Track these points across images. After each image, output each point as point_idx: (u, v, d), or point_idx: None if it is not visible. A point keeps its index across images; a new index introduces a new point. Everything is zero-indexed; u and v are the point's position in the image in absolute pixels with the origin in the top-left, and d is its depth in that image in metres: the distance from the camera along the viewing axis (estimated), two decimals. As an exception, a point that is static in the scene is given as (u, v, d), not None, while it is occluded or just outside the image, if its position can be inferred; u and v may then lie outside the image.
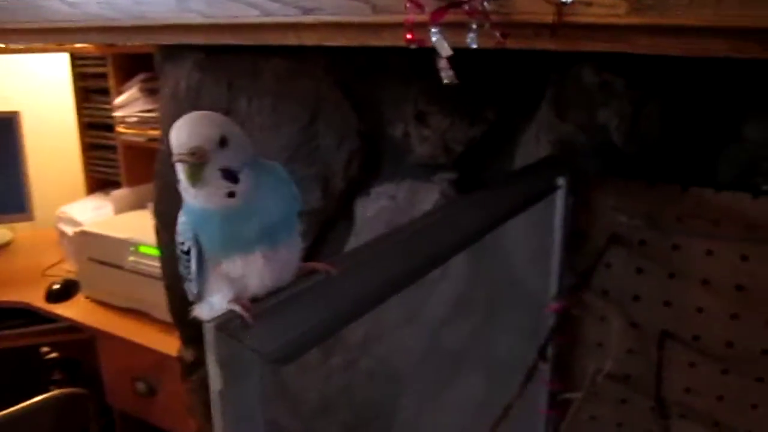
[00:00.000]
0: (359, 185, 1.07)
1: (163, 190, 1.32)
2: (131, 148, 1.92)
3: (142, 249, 1.71)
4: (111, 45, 1.85)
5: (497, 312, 0.79)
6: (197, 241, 0.46)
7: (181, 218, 0.48)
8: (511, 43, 0.58)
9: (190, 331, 1.42)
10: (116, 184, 2.03)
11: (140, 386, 1.76)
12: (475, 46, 0.56)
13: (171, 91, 1.26)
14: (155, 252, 1.63)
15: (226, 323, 0.37)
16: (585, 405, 0.87)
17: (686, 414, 0.82)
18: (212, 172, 0.44)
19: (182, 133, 0.45)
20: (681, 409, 0.81)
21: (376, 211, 1.05)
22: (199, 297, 0.50)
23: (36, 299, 1.85)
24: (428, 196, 1.00)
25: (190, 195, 0.46)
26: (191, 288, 0.50)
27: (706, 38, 0.54)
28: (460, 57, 0.65)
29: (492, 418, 0.78)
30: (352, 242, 1.08)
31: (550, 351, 0.87)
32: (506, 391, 0.83)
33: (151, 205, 1.81)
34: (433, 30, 0.51)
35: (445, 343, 0.65)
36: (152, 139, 1.83)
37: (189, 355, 1.45)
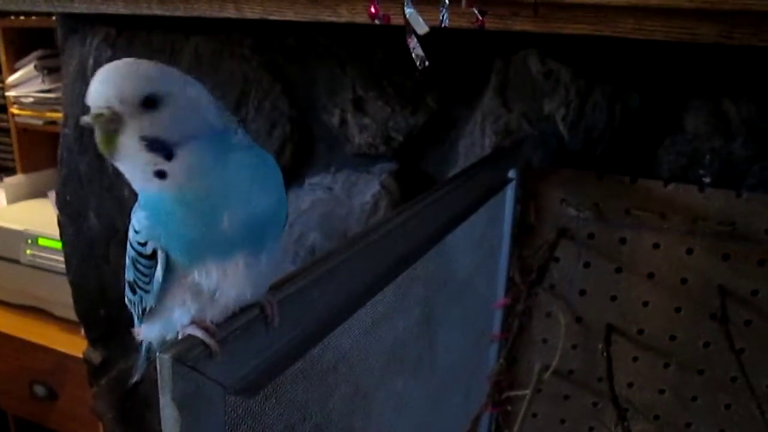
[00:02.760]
0: (292, 175, 1.01)
1: (68, 179, 1.20)
2: (27, 131, 1.75)
3: (42, 242, 1.57)
4: (2, 15, 1.68)
5: (441, 311, 0.76)
6: (165, 244, 0.36)
7: (140, 211, 0.37)
8: (488, 24, 0.54)
9: (99, 329, 1.31)
10: (10, 171, 1.85)
11: (39, 389, 1.62)
12: (446, 25, 0.51)
13: (76, 69, 1.14)
14: (57, 245, 1.49)
15: (186, 353, 0.30)
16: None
17: (628, 408, 0.82)
18: (130, 141, 0.34)
19: (96, 86, 0.34)
20: (623, 404, 0.81)
21: (311, 202, 0.99)
22: (150, 314, 0.40)
23: None
24: (367, 188, 0.95)
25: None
26: (146, 302, 0.39)
27: (695, 22, 0.52)
28: (399, 41, 0.60)
29: (445, 420, 0.75)
30: (285, 235, 1.01)
31: (496, 349, 0.84)
32: (452, 392, 0.80)
33: (51, 194, 1.66)
34: (408, 3, 0.46)
35: (396, 348, 0.61)
36: (51, 122, 1.68)
37: (96, 357, 1.34)
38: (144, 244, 0.37)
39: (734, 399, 0.78)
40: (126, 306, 0.44)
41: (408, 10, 0.46)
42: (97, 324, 1.30)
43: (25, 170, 1.80)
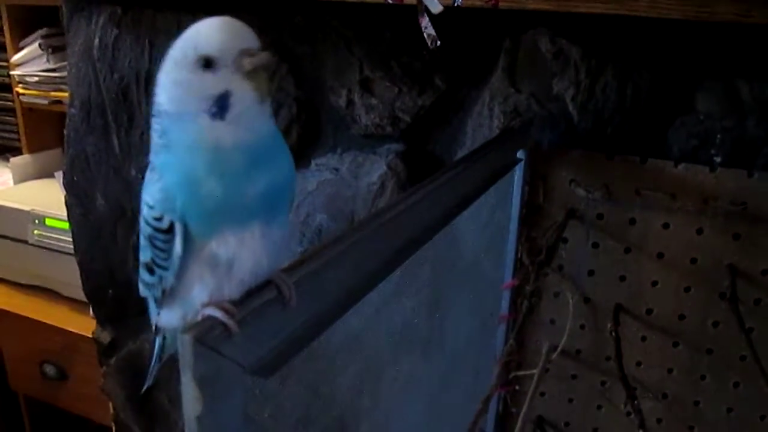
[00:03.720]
0: (298, 156, 1.00)
1: (75, 159, 1.20)
2: (32, 110, 1.75)
3: (49, 222, 1.58)
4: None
5: (449, 292, 0.76)
6: (182, 217, 0.36)
7: (156, 183, 0.37)
8: (502, 2, 0.53)
9: (107, 310, 1.32)
10: (16, 150, 1.85)
11: (49, 369, 1.64)
12: (459, 3, 0.50)
13: (81, 50, 1.13)
14: (64, 225, 1.50)
15: (205, 334, 0.30)
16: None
17: (636, 387, 0.83)
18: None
19: (243, 29, 0.36)
20: (632, 383, 0.81)
21: (318, 183, 0.98)
22: (170, 295, 0.40)
23: (-75, 274, 1.68)
24: (374, 169, 0.95)
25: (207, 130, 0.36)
26: (165, 280, 0.39)
27: (710, 0, 0.51)
28: (408, 19, 0.58)
29: (455, 400, 0.75)
30: (292, 216, 1.01)
31: (504, 330, 0.85)
32: (462, 373, 0.81)
33: (58, 174, 1.66)
34: (421, -18, 0.45)
35: (405, 328, 0.61)
36: (56, 101, 1.67)
37: (105, 337, 1.35)
38: (160, 219, 0.37)
39: (743, 378, 0.78)
40: (140, 295, 0.44)
41: (422, -11, 0.45)
42: (106, 304, 1.31)
43: (31, 150, 1.80)
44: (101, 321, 1.35)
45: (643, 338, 0.82)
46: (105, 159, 1.16)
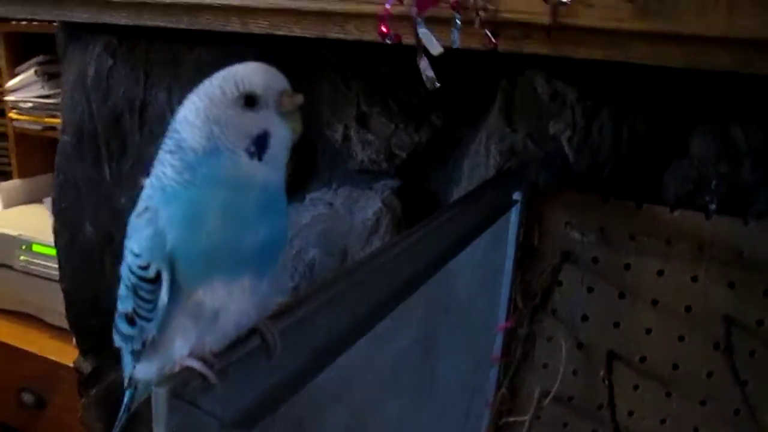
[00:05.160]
0: (293, 190, 0.99)
1: (64, 186, 1.18)
2: (25, 136, 1.74)
3: (36, 248, 1.55)
4: (4, 20, 1.67)
5: (442, 331, 0.74)
6: (171, 262, 0.35)
7: (146, 229, 0.36)
8: (501, 46, 0.53)
9: (90, 339, 1.29)
10: (6, 175, 1.84)
11: (27, 397, 1.60)
12: (457, 45, 0.50)
13: (75, 78, 1.13)
14: (51, 252, 1.48)
15: (182, 386, 0.28)
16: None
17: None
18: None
19: (273, 73, 0.37)
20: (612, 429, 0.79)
21: (312, 217, 0.97)
22: (150, 347, 0.38)
23: None
24: (369, 204, 0.94)
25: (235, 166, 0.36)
26: (147, 332, 0.37)
27: (712, 49, 0.51)
28: (406, 57, 0.58)
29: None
30: (285, 250, 1.00)
31: (496, 372, 0.83)
32: (451, 414, 0.79)
33: (47, 200, 1.65)
34: (420, 23, 0.45)
35: (397, 372, 0.60)
36: (49, 128, 1.66)
37: (87, 367, 1.32)
38: (146, 268, 0.36)
39: (736, 431, 0.77)
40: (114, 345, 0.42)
41: (421, 30, 0.45)
42: (89, 333, 1.28)
43: (21, 175, 1.79)
44: (83, 350, 1.32)
45: (636, 387, 0.81)
46: (95, 187, 1.15)
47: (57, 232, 1.22)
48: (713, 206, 0.76)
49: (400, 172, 0.94)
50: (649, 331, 0.79)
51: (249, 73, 0.37)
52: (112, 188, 1.13)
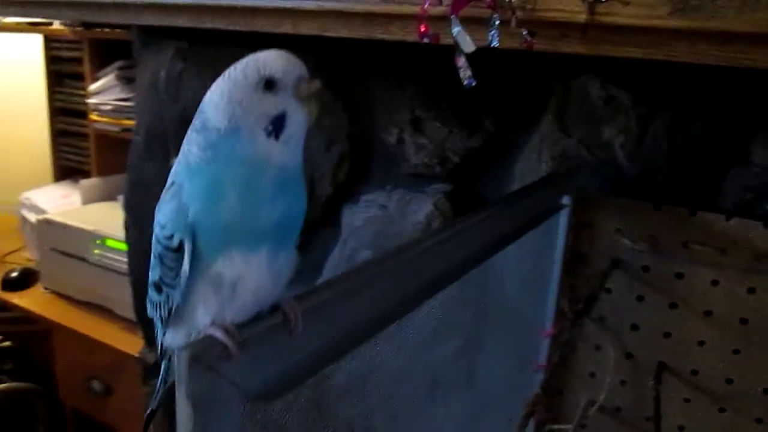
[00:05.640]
0: (348, 191, 1.02)
1: (136, 184, 1.25)
2: (103, 136, 1.84)
3: (109, 243, 1.64)
4: (87, 28, 1.78)
5: (485, 335, 0.74)
6: (193, 233, 0.38)
7: (171, 202, 0.40)
8: (537, 45, 0.54)
9: (154, 330, 1.35)
10: (85, 173, 1.95)
11: (96, 385, 1.69)
12: (496, 44, 0.51)
13: (149, 81, 1.19)
14: (123, 246, 1.56)
15: (203, 352, 0.30)
16: (572, 436, 0.82)
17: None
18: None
19: (293, 60, 0.40)
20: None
21: (365, 219, 0.99)
22: (176, 315, 0.41)
23: (-9, 286, 1.77)
24: (421, 208, 0.95)
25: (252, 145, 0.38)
26: (172, 299, 0.40)
27: (756, 47, 0.50)
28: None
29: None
30: (338, 251, 1.02)
31: (541, 380, 0.82)
32: (493, 419, 0.79)
33: (121, 198, 1.74)
34: (455, 22, 0.46)
35: (425, 366, 0.60)
36: (126, 129, 1.75)
37: (151, 358, 1.38)
38: (170, 237, 0.39)
39: (793, 452, 0.73)
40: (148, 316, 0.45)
41: (455, 29, 0.46)
42: (154, 325, 1.34)
43: (99, 173, 1.89)
44: (149, 341, 1.38)
45: (687, 400, 0.78)
46: (162, 184, 1.20)
47: (127, 226, 1.29)
48: (773, 216, 0.73)
49: (453, 176, 0.95)
50: (701, 343, 0.76)
51: (270, 59, 0.39)
52: (179, 186, 1.19)
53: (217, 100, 0.40)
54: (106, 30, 1.77)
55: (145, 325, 1.37)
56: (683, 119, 0.77)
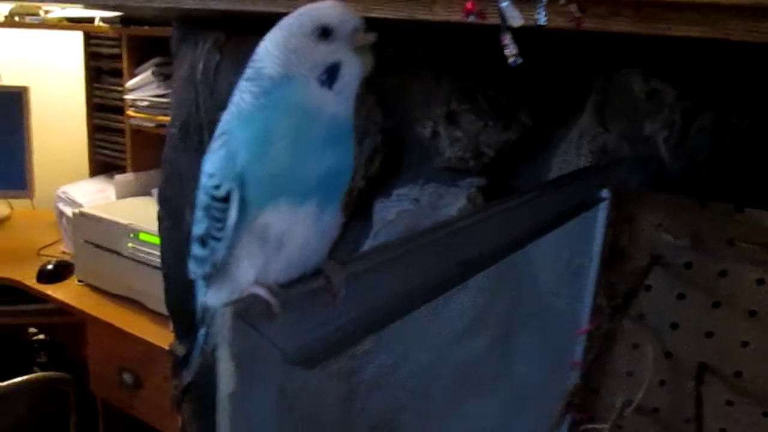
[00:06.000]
0: (380, 185, 1.01)
1: (170, 176, 1.26)
2: (139, 132, 1.86)
3: (143, 236, 1.65)
4: (125, 25, 1.80)
5: (519, 330, 0.73)
6: (241, 182, 0.37)
7: (219, 150, 0.39)
8: (587, 24, 0.52)
9: (185, 324, 1.36)
10: (121, 169, 1.98)
11: (126, 377, 1.70)
12: (543, 22, 0.49)
13: (186, 74, 1.20)
14: (156, 240, 1.57)
15: (246, 310, 0.30)
16: (607, 437, 0.80)
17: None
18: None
19: (348, 10, 0.40)
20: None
21: (397, 213, 0.98)
22: (220, 272, 0.41)
23: (27, 278, 1.80)
24: (454, 202, 0.94)
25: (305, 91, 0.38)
26: (217, 253, 0.40)
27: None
28: (496, 52, 0.58)
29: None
30: (368, 245, 1.02)
31: (576, 377, 0.80)
32: (527, 415, 0.77)
33: (156, 192, 1.75)
34: (502, -5, 0.45)
35: (458, 359, 0.59)
36: (161, 125, 1.77)
37: (181, 350, 1.39)
38: (218, 187, 0.38)
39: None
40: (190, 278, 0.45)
41: (503, 3, 0.45)
42: (185, 318, 1.35)
43: (134, 169, 1.91)
44: (179, 335, 1.39)
45: (729, 402, 0.75)
46: (197, 176, 1.21)
47: (160, 219, 1.30)
48: (824, 214, 0.70)
49: (487, 170, 0.93)
50: (745, 344, 0.74)
51: (325, 8, 0.40)
52: (212, 178, 1.19)
53: (271, 48, 0.40)
54: (145, 27, 1.79)
55: (176, 319, 1.38)
56: (729, 113, 0.75)
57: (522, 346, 0.73)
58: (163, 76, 1.74)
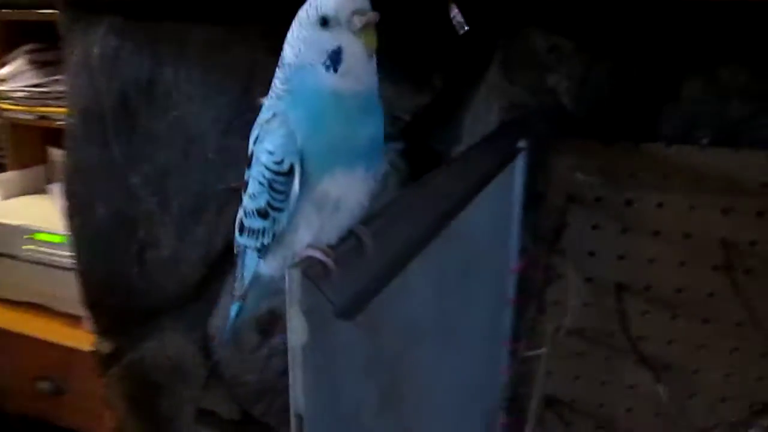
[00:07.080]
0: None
1: (75, 169, 1.21)
2: (18, 126, 1.73)
3: (40, 236, 1.57)
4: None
5: (461, 281, 0.79)
6: (301, 157, 0.42)
7: (278, 130, 0.43)
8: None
9: (107, 320, 1.33)
10: (2, 167, 1.84)
11: (43, 386, 1.62)
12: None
13: (79, 59, 1.15)
14: (56, 239, 1.50)
15: (310, 269, 0.34)
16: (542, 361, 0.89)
17: (639, 360, 0.87)
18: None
19: None
20: (635, 356, 0.86)
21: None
22: (278, 239, 0.45)
23: None
24: (378, 165, 0.98)
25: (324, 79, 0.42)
26: (279, 222, 0.44)
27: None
28: (403, 21, 0.61)
29: (471, 388, 0.79)
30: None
31: (511, 313, 0.89)
32: (477, 359, 0.84)
33: (52, 187, 1.66)
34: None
35: (417, 320, 0.65)
36: (42, 117, 1.67)
37: (106, 347, 1.36)
38: (280, 162, 0.42)
39: (739, 343, 0.84)
40: (234, 252, 0.49)
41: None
42: (107, 313, 1.31)
43: (16, 166, 1.79)
44: (101, 331, 1.35)
45: (645, 312, 0.87)
46: (105, 167, 1.17)
47: (69, 215, 1.24)
48: (706, 141, 0.82)
49: (405, 134, 0.98)
50: (652, 261, 0.85)
51: None
52: (123, 168, 1.16)
53: (289, 38, 0.44)
54: (6, 11, 1.66)
55: (96, 316, 1.34)
56: (622, 62, 0.84)
57: (463, 295, 0.79)
58: (40, 64, 1.63)
